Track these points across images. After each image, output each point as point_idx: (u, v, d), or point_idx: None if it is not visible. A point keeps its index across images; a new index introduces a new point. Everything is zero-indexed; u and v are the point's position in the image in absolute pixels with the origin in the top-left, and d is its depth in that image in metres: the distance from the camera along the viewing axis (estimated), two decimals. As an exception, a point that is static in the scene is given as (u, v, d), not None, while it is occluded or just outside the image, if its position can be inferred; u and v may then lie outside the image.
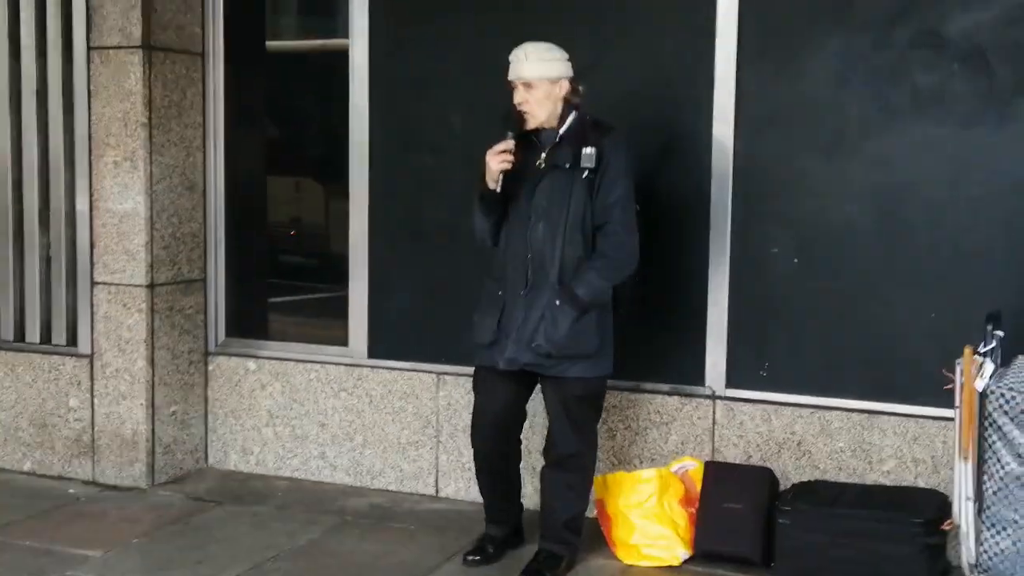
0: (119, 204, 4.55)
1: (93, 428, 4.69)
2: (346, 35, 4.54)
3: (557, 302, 3.38)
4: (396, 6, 4.48)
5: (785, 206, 3.92)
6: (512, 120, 3.47)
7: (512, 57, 3.49)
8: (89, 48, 4.54)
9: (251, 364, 4.76)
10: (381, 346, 4.57)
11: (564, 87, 3.46)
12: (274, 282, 5.13)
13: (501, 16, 4.27)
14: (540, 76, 3.43)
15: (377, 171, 4.53)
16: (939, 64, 3.69)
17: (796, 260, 3.90)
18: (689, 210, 4.01)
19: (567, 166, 3.40)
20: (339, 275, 4.66)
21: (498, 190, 3.46)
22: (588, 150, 3.38)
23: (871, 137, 3.79)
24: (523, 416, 3.65)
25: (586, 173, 3.37)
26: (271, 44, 5.03)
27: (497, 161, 3.43)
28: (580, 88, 3.51)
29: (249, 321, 4.92)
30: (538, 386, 3.61)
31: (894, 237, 3.78)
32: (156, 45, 4.51)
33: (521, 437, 3.72)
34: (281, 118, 5.09)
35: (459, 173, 4.30)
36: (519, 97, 3.46)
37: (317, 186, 5.14)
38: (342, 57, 4.55)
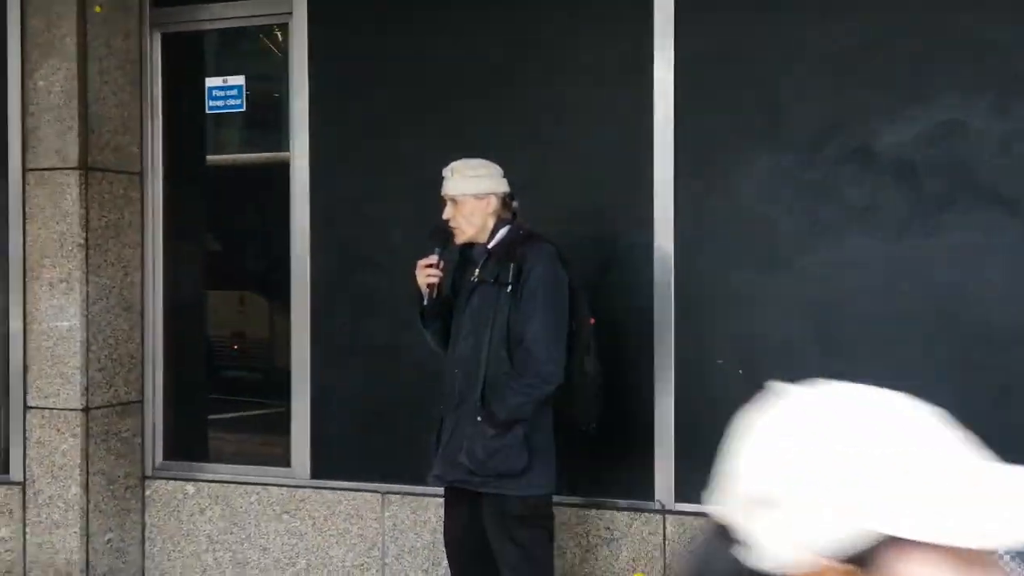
0: (54, 326, 4.56)
1: (25, 560, 4.62)
2: (288, 148, 4.64)
3: (478, 419, 3.42)
4: (337, 122, 4.58)
5: (727, 318, 4.01)
6: (439, 234, 3.57)
7: (442, 174, 3.60)
8: (25, 170, 4.60)
9: (190, 487, 4.73)
10: (324, 466, 4.56)
11: (492, 203, 3.53)
12: (215, 398, 5.12)
13: (441, 132, 4.39)
14: (464, 192, 3.52)
15: (319, 287, 4.58)
16: (867, 180, 3.83)
17: (741, 371, 3.97)
18: (632, 323, 4.09)
19: (492, 281, 3.48)
20: (281, 392, 4.67)
21: (426, 303, 3.55)
22: (511, 266, 3.45)
23: (804, 252, 3.91)
24: None
25: (508, 287, 3.43)
26: (211, 158, 5.12)
27: (423, 276, 3.54)
28: (513, 203, 3.59)
29: (188, 442, 4.90)
30: None
31: (831, 349, 3.87)
32: (93, 166, 4.58)
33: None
34: (222, 233, 5.15)
35: (401, 290, 4.28)
36: (447, 213, 3.56)
37: (260, 301, 5.17)
38: (284, 170, 4.64)
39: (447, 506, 3.65)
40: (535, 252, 3.47)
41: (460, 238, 3.58)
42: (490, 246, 3.56)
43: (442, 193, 3.58)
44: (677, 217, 4.06)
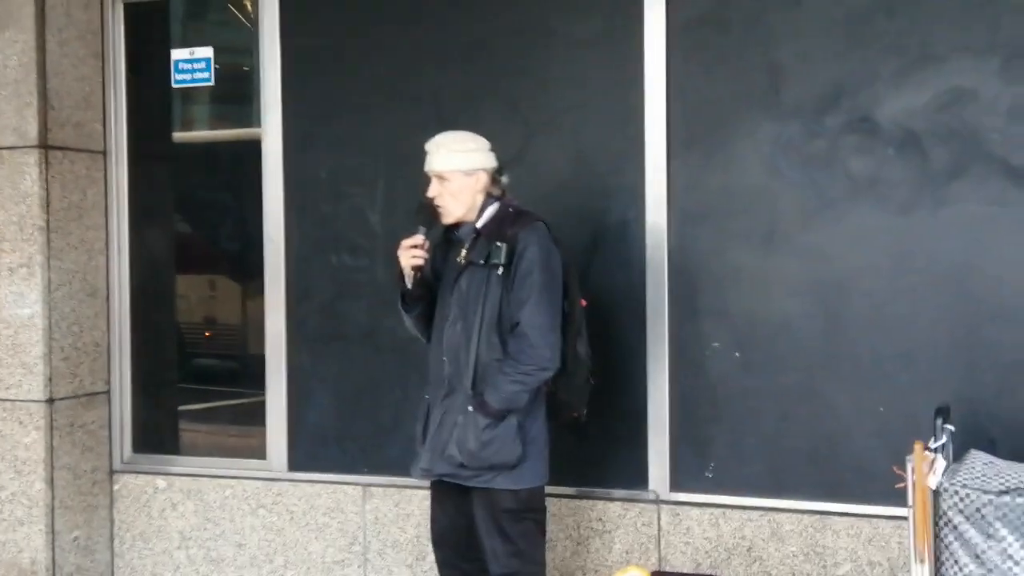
0: (14, 313, 4.46)
1: (-14, 560, 4.52)
2: (259, 124, 4.55)
3: (469, 408, 3.36)
4: (311, 97, 4.50)
5: (723, 300, 3.94)
6: (424, 214, 3.47)
7: (426, 148, 3.49)
8: (-20, 149, 4.50)
9: (160, 482, 4.66)
10: (302, 457, 4.51)
11: (482, 179, 3.46)
12: (186, 388, 5.06)
13: (422, 107, 4.30)
14: (453, 168, 3.43)
15: (294, 270, 4.52)
16: (873, 150, 3.76)
17: (738, 355, 3.91)
18: (624, 305, 4.02)
19: (481, 262, 3.40)
20: (256, 380, 4.61)
21: (409, 286, 3.45)
22: (499, 245, 3.38)
23: (806, 227, 3.85)
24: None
25: (500, 270, 3.37)
26: (178, 135, 5.04)
27: (407, 257, 3.43)
28: (502, 178, 3.52)
29: (158, 434, 4.85)
30: None
31: (835, 329, 3.81)
32: (54, 144, 4.48)
33: None
34: (191, 214, 5.06)
35: (380, 273, 4.32)
36: (433, 191, 3.46)
37: (232, 284, 5.10)
38: (255, 147, 4.56)
39: (433, 500, 3.59)
40: (527, 231, 3.40)
41: (447, 218, 3.49)
42: (479, 225, 3.47)
43: (426, 169, 3.48)
44: (670, 191, 3.99)
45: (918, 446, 3.09)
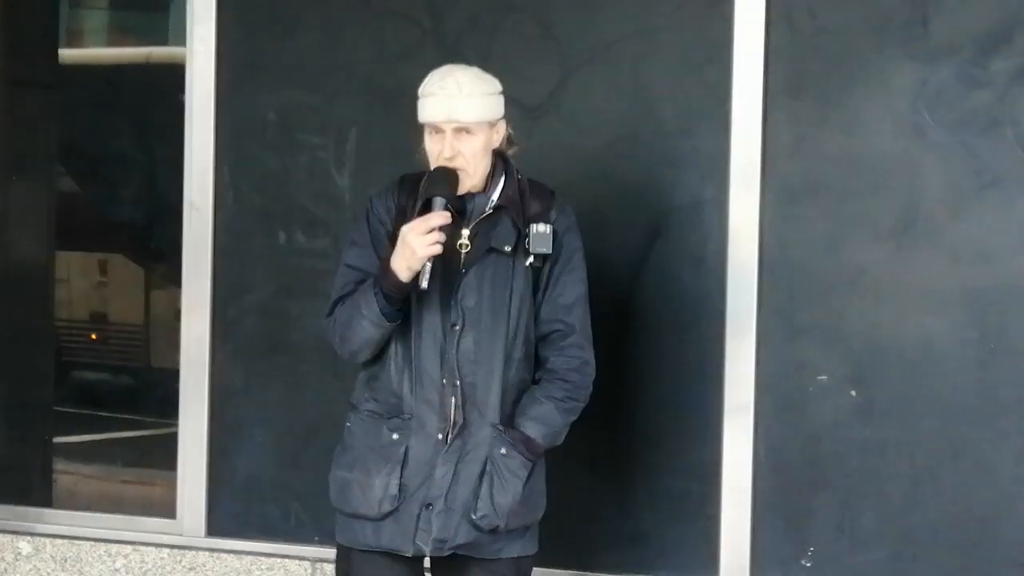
0: None
1: None
2: (183, 42, 4.58)
3: (503, 451, 3.38)
4: (259, 5, 4.54)
5: (836, 315, 3.98)
6: (445, 182, 3.41)
7: (436, 87, 3.42)
8: None
9: (23, 545, 4.69)
10: (226, 518, 4.56)
11: (502, 132, 3.50)
12: (64, 412, 5.11)
13: (415, 26, 4.33)
14: (481, 118, 3.42)
15: (225, 249, 4.57)
16: None
17: (854, 393, 3.94)
18: (693, 319, 4.07)
19: (507, 249, 3.42)
20: (165, 405, 4.66)
21: (424, 285, 3.37)
22: (541, 228, 3.41)
23: (959, 213, 3.88)
24: None
25: (531, 259, 3.42)
26: (67, 54, 5.10)
27: (425, 244, 3.34)
28: (512, 133, 3.56)
29: (23, 478, 4.91)
30: None
31: (997, 360, 3.83)
32: None
33: None
34: (81, 166, 5.13)
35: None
36: (449, 149, 3.42)
37: (134, 269, 5.17)
38: (176, 74, 4.59)
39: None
40: (561, 211, 3.48)
41: (466, 184, 3.46)
42: (495, 197, 3.47)
43: (443, 118, 3.41)
44: (766, 159, 4.03)
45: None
